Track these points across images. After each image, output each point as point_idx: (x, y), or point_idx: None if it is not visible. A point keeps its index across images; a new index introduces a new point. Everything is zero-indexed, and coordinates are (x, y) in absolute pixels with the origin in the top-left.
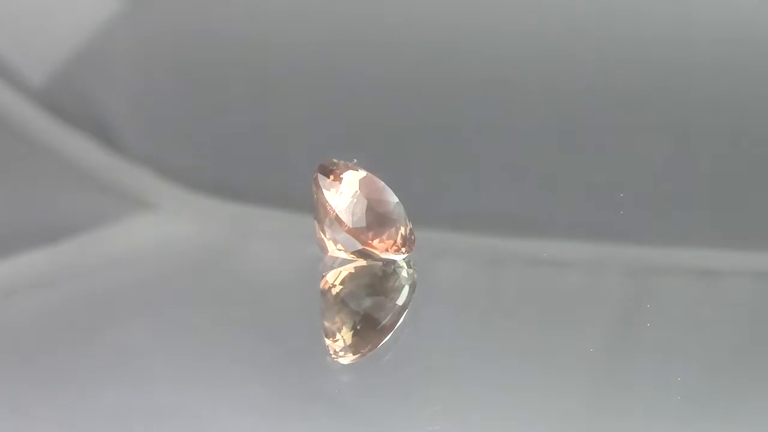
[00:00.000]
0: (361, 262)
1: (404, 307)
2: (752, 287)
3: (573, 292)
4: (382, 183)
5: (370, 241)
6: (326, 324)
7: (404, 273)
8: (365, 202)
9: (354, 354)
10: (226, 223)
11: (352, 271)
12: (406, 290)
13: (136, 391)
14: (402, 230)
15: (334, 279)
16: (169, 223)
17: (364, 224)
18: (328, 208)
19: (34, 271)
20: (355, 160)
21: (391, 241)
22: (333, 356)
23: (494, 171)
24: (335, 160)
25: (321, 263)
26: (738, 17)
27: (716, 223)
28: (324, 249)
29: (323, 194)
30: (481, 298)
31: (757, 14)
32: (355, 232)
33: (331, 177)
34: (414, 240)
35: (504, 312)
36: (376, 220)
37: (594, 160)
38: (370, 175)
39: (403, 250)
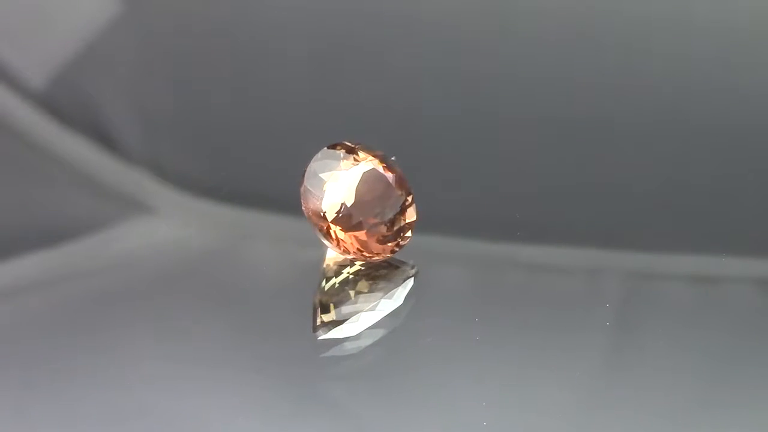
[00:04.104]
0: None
1: (393, 304)
2: (750, 293)
3: (570, 298)
4: (396, 192)
5: (313, 221)
6: (314, 299)
7: (402, 272)
8: (343, 197)
9: (328, 332)
10: (225, 227)
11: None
12: (399, 288)
13: (134, 393)
14: (364, 237)
15: (333, 259)
16: (168, 226)
17: (321, 212)
18: (303, 176)
19: (32, 273)
20: (393, 158)
21: (345, 241)
22: (313, 330)
23: (491, 174)
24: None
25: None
26: (739, 16)
27: (714, 229)
28: None
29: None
30: (477, 301)
31: (758, 13)
32: (308, 214)
33: (343, 158)
34: (381, 252)
35: (499, 316)
36: (346, 215)
37: (593, 165)
38: (385, 181)
39: (349, 257)
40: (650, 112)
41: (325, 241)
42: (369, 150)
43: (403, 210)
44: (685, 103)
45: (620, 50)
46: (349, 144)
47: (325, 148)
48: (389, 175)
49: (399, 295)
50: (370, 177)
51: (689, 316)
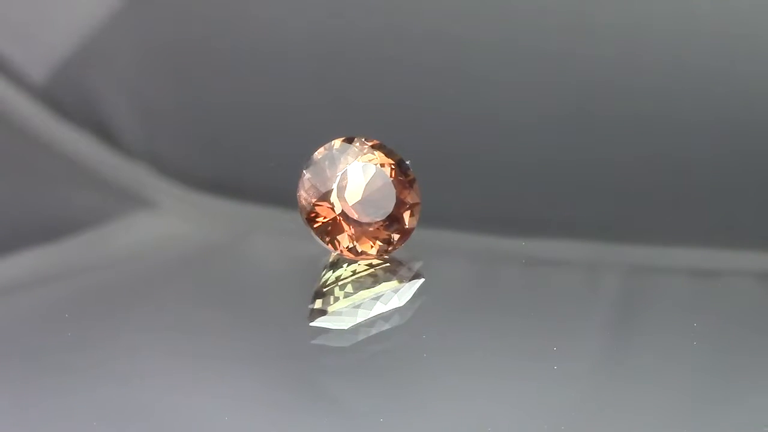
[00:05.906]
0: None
1: (392, 305)
2: (751, 287)
3: (571, 291)
4: (401, 196)
5: (312, 209)
6: (313, 288)
7: (405, 274)
8: (349, 192)
9: (318, 318)
10: (225, 221)
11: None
12: (397, 291)
13: (132, 386)
14: (358, 234)
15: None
16: (168, 221)
17: (313, 200)
18: (306, 166)
19: (32, 267)
20: (408, 162)
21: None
22: (308, 317)
23: (490, 169)
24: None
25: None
26: (739, 15)
27: (714, 222)
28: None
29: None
30: (477, 296)
31: (758, 13)
32: (308, 202)
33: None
34: (369, 252)
35: (499, 311)
36: (346, 211)
37: (594, 159)
38: (392, 184)
39: (335, 253)
40: (649, 107)
41: (314, 235)
42: (385, 150)
43: (405, 215)
44: (684, 98)
45: (619, 47)
46: (354, 138)
47: (339, 140)
48: (398, 179)
49: (399, 297)
50: (379, 177)
51: (689, 309)
